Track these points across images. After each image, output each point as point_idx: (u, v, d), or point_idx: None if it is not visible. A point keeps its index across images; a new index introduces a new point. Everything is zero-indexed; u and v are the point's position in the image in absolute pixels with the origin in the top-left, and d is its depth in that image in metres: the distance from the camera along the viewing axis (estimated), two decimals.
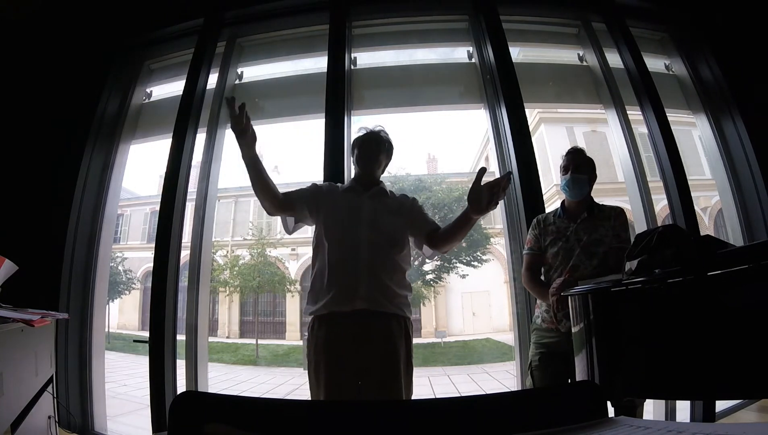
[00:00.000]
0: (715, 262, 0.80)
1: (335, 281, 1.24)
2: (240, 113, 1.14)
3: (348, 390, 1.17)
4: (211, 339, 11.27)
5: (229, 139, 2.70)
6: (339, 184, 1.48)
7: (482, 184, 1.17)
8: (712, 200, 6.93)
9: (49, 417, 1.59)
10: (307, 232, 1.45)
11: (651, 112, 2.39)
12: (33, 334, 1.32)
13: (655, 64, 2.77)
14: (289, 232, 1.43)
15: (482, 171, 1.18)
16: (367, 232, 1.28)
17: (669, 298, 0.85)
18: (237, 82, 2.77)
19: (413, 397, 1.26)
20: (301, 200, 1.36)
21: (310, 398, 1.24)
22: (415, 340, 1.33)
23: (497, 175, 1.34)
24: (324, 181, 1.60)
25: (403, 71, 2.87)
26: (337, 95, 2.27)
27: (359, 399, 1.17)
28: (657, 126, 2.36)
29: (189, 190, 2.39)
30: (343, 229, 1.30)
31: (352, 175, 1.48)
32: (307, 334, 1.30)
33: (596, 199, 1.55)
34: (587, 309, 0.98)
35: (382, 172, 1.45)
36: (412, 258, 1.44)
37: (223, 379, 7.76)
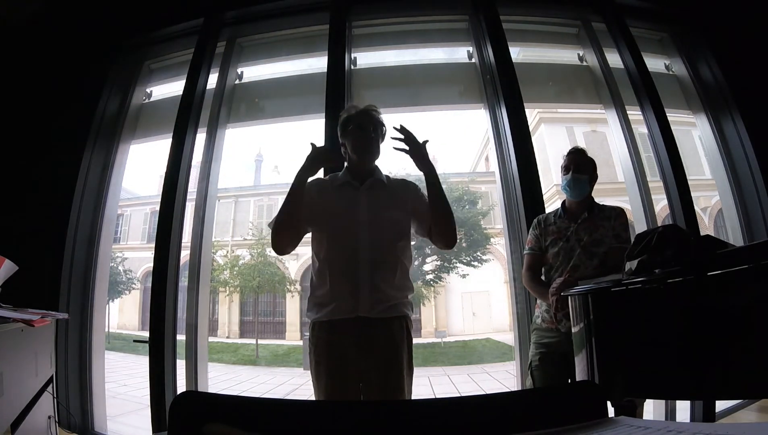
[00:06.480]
0: (715, 262, 0.80)
1: (337, 289, 1.19)
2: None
3: (349, 393, 1.16)
4: (211, 339, 11.27)
5: (229, 139, 2.70)
6: (328, 178, 1.36)
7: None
8: (712, 200, 6.93)
9: (49, 417, 1.59)
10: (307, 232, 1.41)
11: (651, 112, 2.39)
12: (33, 334, 1.32)
13: (655, 64, 2.77)
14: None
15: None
16: (366, 231, 1.21)
17: (669, 298, 0.85)
18: (237, 82, 2.77)
19: (412, 397, 1.26)
20: (301, 221, 1.26)
21: (314, 398, 1.23)
22: (415, 340, 1.32)
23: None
24: None
25: (403, 71, 2.86)
26: (337, 95, 2.28)
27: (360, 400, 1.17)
28: (657, 126, 2.36)
29: (189, 190, 2.39)
30: (342, 231, 1.23)
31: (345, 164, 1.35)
32: (308, 333, 1.27)
33: (596, 199, 1.55)
34: (587, 309, 0.98)
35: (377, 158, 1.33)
36: (412, 258, 1.42)
37: (223, 379, 7.76)
